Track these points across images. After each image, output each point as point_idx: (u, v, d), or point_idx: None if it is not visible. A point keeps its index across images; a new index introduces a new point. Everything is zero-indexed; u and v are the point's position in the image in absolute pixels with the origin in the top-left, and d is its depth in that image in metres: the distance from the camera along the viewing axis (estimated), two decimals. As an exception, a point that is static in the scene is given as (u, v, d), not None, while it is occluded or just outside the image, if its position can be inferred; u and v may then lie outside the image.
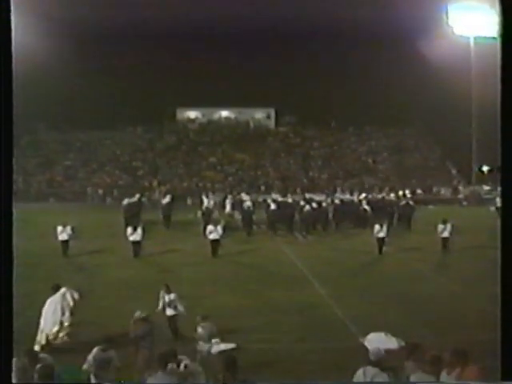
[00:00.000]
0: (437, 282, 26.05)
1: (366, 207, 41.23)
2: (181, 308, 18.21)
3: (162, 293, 18.37)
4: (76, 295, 17.55)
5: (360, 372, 10.87)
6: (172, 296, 18.23)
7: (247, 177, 65.02)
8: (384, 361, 11.15)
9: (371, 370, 10.92)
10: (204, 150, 69.56)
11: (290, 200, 43.53)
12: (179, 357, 11.62)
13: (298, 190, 55.44)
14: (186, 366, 11.65)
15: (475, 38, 62.20)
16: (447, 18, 62.47)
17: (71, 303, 17.32)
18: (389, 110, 67.97)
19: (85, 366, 13.12)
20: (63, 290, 17.42)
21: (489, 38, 56.51)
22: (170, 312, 18.13)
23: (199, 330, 15.21)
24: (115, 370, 13.11)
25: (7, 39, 8.37)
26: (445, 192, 61.83)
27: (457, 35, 62.54)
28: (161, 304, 18.22)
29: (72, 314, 17.23)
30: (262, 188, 60.21)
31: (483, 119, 56.01)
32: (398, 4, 53.52)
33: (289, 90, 69.25)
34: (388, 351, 14.79)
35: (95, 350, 13.24)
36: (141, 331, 15.09)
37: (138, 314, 15.54)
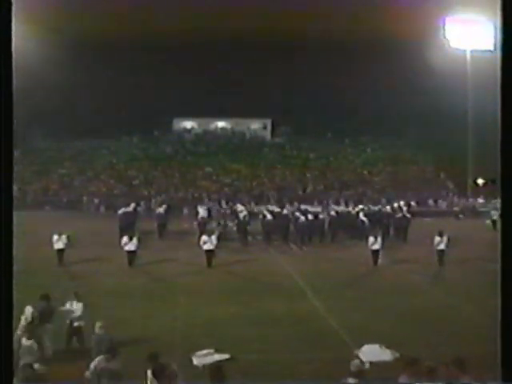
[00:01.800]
0: (433, 294, 26.02)
1: (364, 219, 41.18)
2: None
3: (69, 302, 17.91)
4: None
5: None
6: (79, 305, 17.79)
7: (243, 187, 65.01)
8: (365, 373, 11.19)
9: (351, 382, 11.00)
10: (200, 160, 69.64)
11: (285, 211, 43.51)
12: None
13: (294, 201, 55.51)
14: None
15: (472, 51, 62.43)
16: (444, 30, 62.71)
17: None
18: (385, 121, 68.16)
19: (87, 374, 13.06)
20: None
21: (485, 50, 56.79)
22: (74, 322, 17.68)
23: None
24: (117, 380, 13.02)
25: (7, 48, 8.37)
26: (440, 204, 61.90)
27: (453, 48, 62.78)
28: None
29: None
30: (258, 199, 60.16)
31: (479, 132, 56.16)
32: (395, 16, 53.71)
33: (285, 101, 69.44)
34: (378, 363, 14.85)
35: (99, 358, 13.17)
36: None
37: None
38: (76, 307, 17.71)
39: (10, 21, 8.52)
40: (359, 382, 10.96)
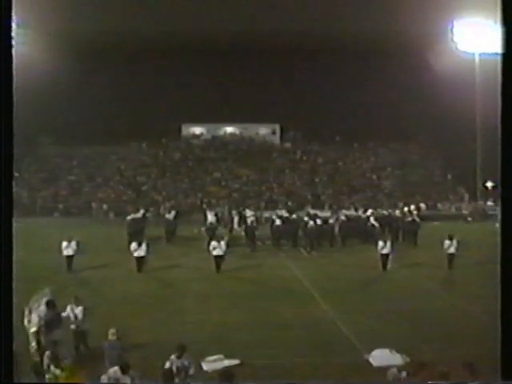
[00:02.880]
0: (443, 298, 25.93)
1: (374, 223, 41.10)
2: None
3: (69, 306, 17.91)
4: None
5: None
6: (79, 309, 17.82)
7: (252, 192, 65.00)
8: (402, 381, 11.16)
9: None
10: (209, 165, 69.66)
11: (294, 216, 43.51)
12: None
13: (303, 206, 55.53)
14: None
15: (480, 54, 62.29)
16: (452, 33, 62.59)
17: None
18: (393, 125, 68.06)
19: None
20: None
21: (493, 53, 56.62)
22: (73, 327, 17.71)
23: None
24: None
25: (8, 52, 8.38)
26: (449, 208, 61.74)
27: (461, 51, 62.64)
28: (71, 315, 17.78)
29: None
30: (267, 204, 60.14)
31: (488, 135, 56.00)
32: (403, 19, 53.64)
33: (294, 106, 69.42)
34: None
35: (111, 370, 13.16)
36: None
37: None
38: (77, 311, 17.75)
39: (10, 26, 8.54)
40: None
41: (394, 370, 12.10)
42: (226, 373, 11.83)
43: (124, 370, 12.99)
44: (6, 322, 8.51)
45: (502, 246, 8.72)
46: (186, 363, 13.62)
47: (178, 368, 13.49)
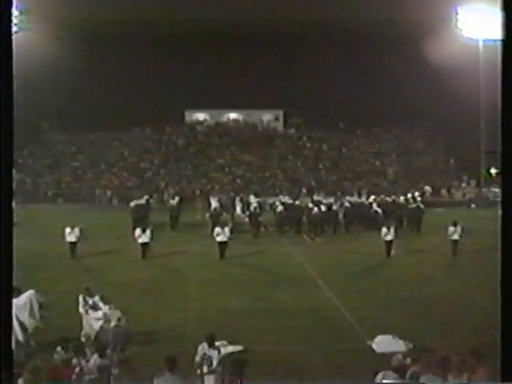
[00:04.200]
0: (446, 284, 25.96)
1: (377, 209, 41.05)
2: (105, 309, 17.10)
3: (81, 297, 17.60)
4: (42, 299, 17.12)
5: (380, 375, 10.95)
6: (96, 298, 17.49)
7: (255, 179, 64.98)
8: (406, 367, 11.17)
9: (391, 375, 10.96)
10: (212, 151, 69.55)
11: (297, 202, 43.51)
12: None
13: (306, 192, 55.55)
14: None
15: (484, 41, 62.00)
16: (456, 20, 62.27)
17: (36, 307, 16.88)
18: (397, 111, 67.92)
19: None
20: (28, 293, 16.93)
21: (497, 40, 56.32)
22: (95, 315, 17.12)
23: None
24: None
25: (8, 46, 8.38)
26: (453, 194, 61.70)
27: (466, 37, 62.35)
28: (81, 308, 17.47)
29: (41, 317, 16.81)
30: (270, 190, 60.12)
31: (492, 121, 55.84)
32: (406, 6, 53.39)
33: (297, 92, 69.21)
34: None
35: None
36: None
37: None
38: (97, 300, 17.48)
39: (10, 19, 8.53)
40: (399, 376, 10.96)
41: (399, 356, 12.11)
42: (239, 361, 11.79)
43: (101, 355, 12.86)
44: (6, 322, 8.52)
45: (502, 233, 8.71)
46: (215, 353, 13.51)
47: (204, 357, 13.37)
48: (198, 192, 57.95)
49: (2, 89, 8.29)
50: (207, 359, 13.22)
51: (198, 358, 13.29)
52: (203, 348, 13.36)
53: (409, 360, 11.90)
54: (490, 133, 57.96)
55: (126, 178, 64.67)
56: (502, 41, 8.65)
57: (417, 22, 54.77)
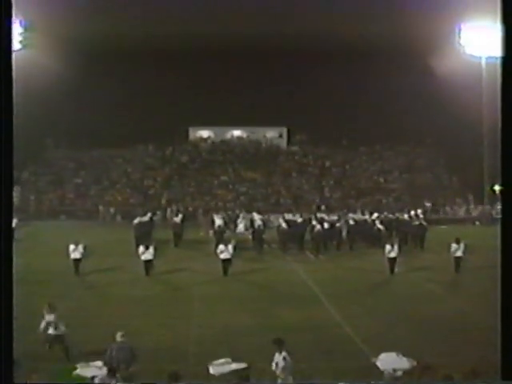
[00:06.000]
0: (450, 302, 25.90)
1: (381, 227, 41.03)
2: (62, 327, 17.73)
3: (44, 312, 17.88)
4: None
5: None
6: (52, 316, 17.74)
7: (259, 196, 64.98)
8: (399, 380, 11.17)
9: None
10: (216, 168, 69.60)
11: (300, 219, 43.53)
12: None
13: (310, 210, 55.48)
14: None
15: (487, 58, 62.13)
16: (459, 37, 62.46)
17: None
18: (400, 128, 67.94)
19: None
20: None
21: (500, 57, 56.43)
22: (52, 331, 17.62)
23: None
24: None
25: (8, 56, 8.42)
26: (456, 211, 61.62)
27: (468, 55, 62.51)
28: (43, 324, 17.74)
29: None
30: (274, 207, 60.12)
31: (495, 138, 55.83)
32: (410, 23, 53.61)
33: (301, 110, 69.32)
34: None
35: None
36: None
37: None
38: (53, 318, 17.69)
39: (10, 29, 8.58)
40: None
41: (390, 370, 12.16)
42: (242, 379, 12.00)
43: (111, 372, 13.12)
44: (6, 323, 8.54)
45: (502, 250, 8.73)
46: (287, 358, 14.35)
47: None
48: (201, 209, 58.08)
49: (2, 105, 8.33)
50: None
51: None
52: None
53: (400, 373, 11.94)
54: (494, 150, 57.99)
55: (130, 195, 64.71)
56: (502, 58, 8.73)
57: (420, 40, 55.01)
